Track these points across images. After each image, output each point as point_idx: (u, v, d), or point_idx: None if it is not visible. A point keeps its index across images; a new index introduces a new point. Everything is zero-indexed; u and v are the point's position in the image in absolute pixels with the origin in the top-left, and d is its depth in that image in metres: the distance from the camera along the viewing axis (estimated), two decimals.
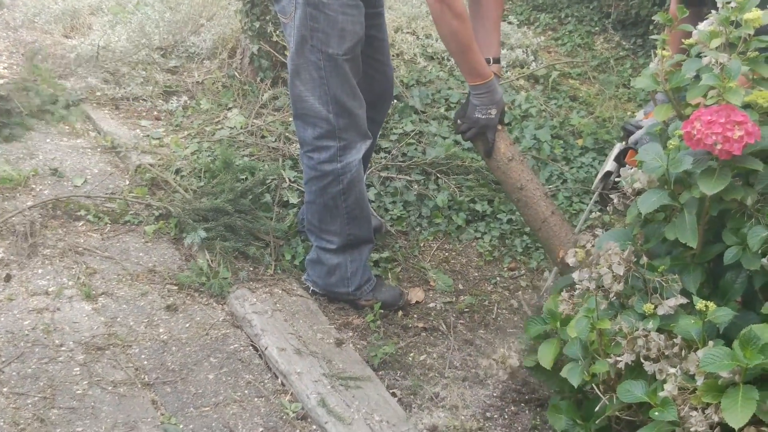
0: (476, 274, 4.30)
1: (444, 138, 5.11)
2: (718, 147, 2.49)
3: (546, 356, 3.04)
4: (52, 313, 3.64)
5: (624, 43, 7.38)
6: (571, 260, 2.99)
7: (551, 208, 3.59)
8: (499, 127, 3.59)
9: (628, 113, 6.00)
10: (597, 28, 7.65)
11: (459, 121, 3.64)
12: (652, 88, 2.89)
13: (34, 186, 4.49)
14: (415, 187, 4.70)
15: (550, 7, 7.83)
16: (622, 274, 2.76)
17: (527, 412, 3.48)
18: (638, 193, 2.84)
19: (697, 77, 2.71)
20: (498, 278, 4.28)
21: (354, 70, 3.66)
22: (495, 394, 3.54)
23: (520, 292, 4.15)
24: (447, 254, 4.41)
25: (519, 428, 3.39)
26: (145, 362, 3.45)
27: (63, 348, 3.46)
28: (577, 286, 2.88)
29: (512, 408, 3.49)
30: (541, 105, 5.78)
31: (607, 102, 6.10)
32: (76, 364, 3.38)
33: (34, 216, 4.19)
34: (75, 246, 4.07)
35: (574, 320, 2.84)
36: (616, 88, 6.38)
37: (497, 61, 3.66)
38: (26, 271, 3.87)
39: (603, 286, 2.80)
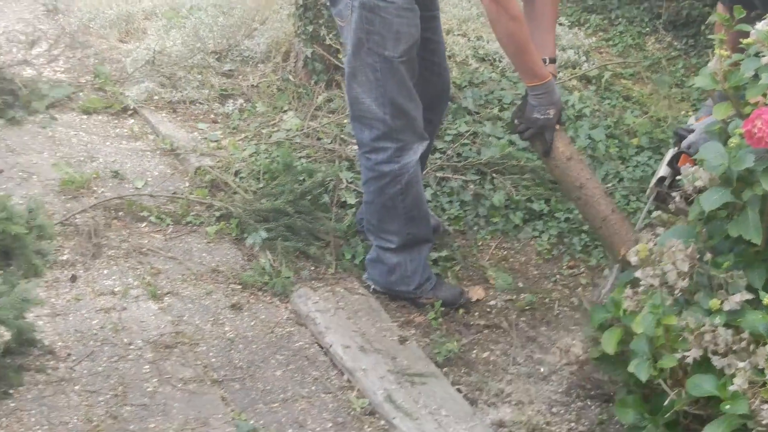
0: (536, 272, 4.31)
1: (498, 138, 5.11)
2: None
3: (609, 343, 3.05)
4: (119, 313, 3.70)
5: (675, 43, 7.34)
6: (633, 258, 3.00)
7: (611, 206, 3.59)
8: (557, 126, 3.60)
9: (682, 113, 5.98)
10: (648, 29, 7.61)
11: (516, 121, 3.65)
12: (711, 87, 2.88)
13: (95, 188, 4.57)
14: (471, 186, 4.71)
15: (600, 9, 7.79)
16: (686, 270, 2.76)
17: (593, 407, 3.48)
18: (700, 191, 2.84)
19: (756, 76, 2.72)
20: (558, 276, 4.28)
21: (410, 72, 3.69)
22: (560, 390, 3.55)
23: (580, 290, 4.15)
24: (506, 253, 4.42)
25: (586, 423, 3.39)
26: (213, 360, 3.50)
27: (132, 346, 3.51)
28: (641, 283, 2.88)
29: (578, 403, 3.49)
30: (595, 105, 5.77)
31: (661, 102, 6.07)
32: (146, 362, 3.44)
33: (97, 217, 4.26)
34: (139, 246, 4.13)
35: (639, 316, 2.85)
36: (670, 87, 6.34)
37: (553, 61, 3.67)
38: (92, 271, 3.94)
39: (667, 283, 2.81)
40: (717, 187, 2.69)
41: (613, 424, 3.37)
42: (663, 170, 3.55)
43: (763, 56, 2.62)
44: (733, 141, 2.61)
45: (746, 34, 2.79)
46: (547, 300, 4.09)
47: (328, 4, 4.03)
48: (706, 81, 2.85)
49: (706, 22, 6.91)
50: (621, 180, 4.96)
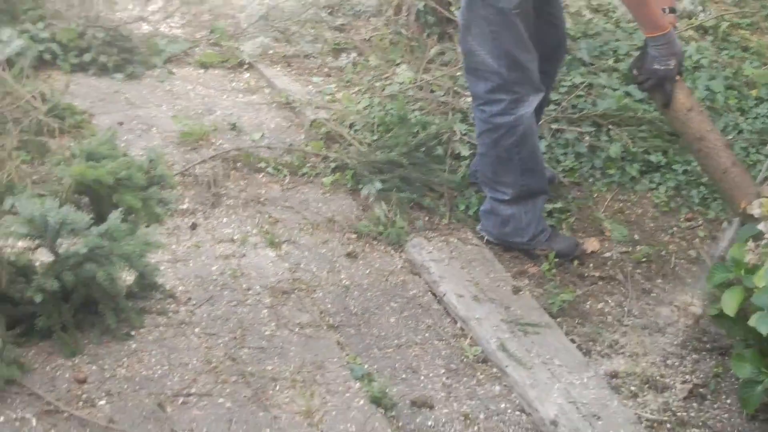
0: (652, 225, 4.25)
1: (614, 90, 5.04)
2: None
3: (730, 304, 3.01)
4: (238, 259, 3.78)
5: None
6: (756, 211, 2.95)
7: (732, 158, 3.53)
8: (677, 77, 3.54)
9: None
10: None
11: (635, 72, 3.59)
12: None
13: (213, 140, 4.65)
14: (587, 138, 4.67)
15: None
16: None
17: (708, 360, 3.44)
18: None
19: None
20: (675, 228, 4.22)
21: (525, 24, 3.65)
22: (675, 342, 3.51)
23: (697, 242, 4.09)
24: (621, 205, 4.37)
25: (701, 376, 3.35)
26: (329, 306, 3.56)
27: (250, 292, 3.59)
28: (766, 236, 2.83)
29: (693, 356, 3.45)
30: (712, 56, 5.64)
31: None
32: (264, 307, 3.51)
33: (216, 167, 4.34)
34: (257, 196, 4.21)
35: (762, 270, 2.80)
36: None
37: (673, 11, 3.61)
38: (211, 219, 4.03)
39: None
40: None
41: (729, 377, 3.33)
42: None
43: None
44: None
45: None
46: (663, 252, 4.04)
47: None
48: None
49: None
50: (740, 132, 4.86)
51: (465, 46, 3.75)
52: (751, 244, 2.94)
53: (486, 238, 4.00)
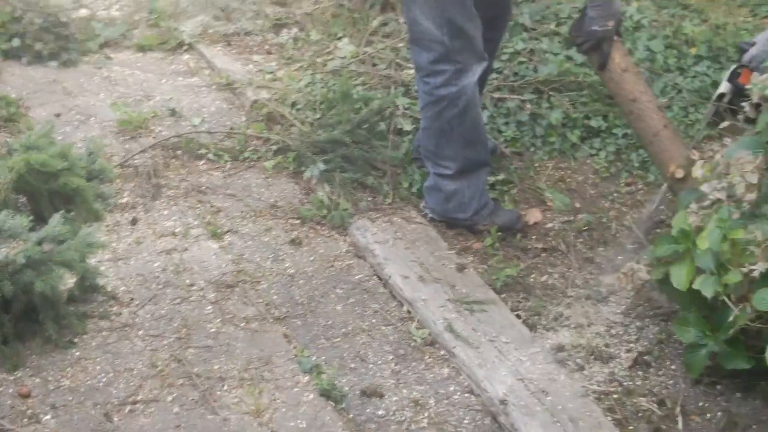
0: (593, 192, 4.28)
1: (556, 54, 5.04)
2: None
3: (680, 278, 3.03)
4: (180, 254, 3.77)
5: None
6: (698, 172, 2.98)
7: (664, 121, 3.56)
8: (615, 38, 3.57)
9: (741, 18, 5.84)
10: None
11: (574, 34, 3.62)
12: None
13: (153, 127, 4.63)
14: (528, 106, 4.67)
15: None
16: (755, 182, 2.74)
17: (652, 326, 3.49)
18: None
19: None
20: (615, 194, 4.26)
21: None
22: (619, 311, 3.56)
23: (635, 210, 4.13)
24: (563, 173, 4.40)
25: (645, 343, 3.40)
26: (275, 297, 3.56)
27: (194, 288, 3.58)
28: (709, 197, 2.86)
29: (637, 323, 3.50)
30: (653, 15, 5.64)
31: (721, 8, 5.92)
32: (208, 303, 3.51)
33: (156, 157, 4.32)
34: (198, 185, 4.19)
35: (705, 232, 2.83)
36: None
37: None
38: (152, 213, 4.01)
39: (734, 196, 2.78)
40: None
41: (673, 342, 3.38)
42: (723, 87, 3.51)
43: None
44: None
45: None
46: (604, 219, 4.08)
47: None
48: None
49: None
50: (680, 92, 4.87)
51: (409, 16, 3.73)
52: (693, 206, 2.97)
53: (430, 215, 4.02)
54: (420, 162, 4.20)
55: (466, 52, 3.70)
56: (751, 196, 2.75)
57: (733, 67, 3.46)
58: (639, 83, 3.60)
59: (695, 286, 2.84)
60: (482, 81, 4.09)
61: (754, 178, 2.74)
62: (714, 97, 3.54)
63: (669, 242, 3.15)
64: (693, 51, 5.24)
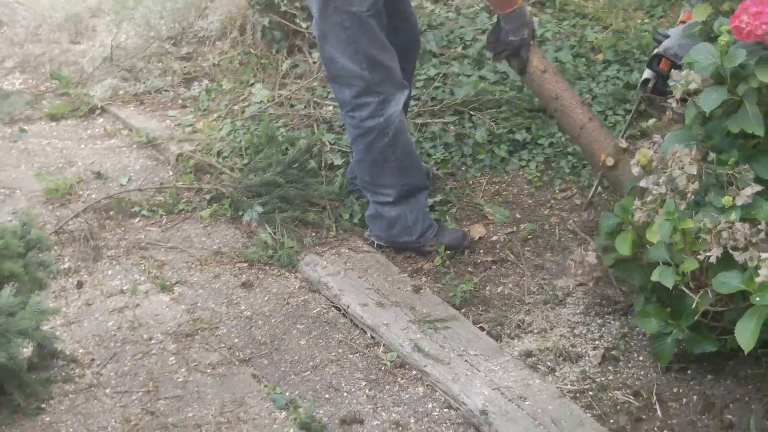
0: (530, 201, 4.34)
1: (468, 76, 5.12)
2: None
3: (624, 245, 3.10)
4: (133, 310, 3.69)
5: None
6: (635, 169, 3.04)
7: (588, 114, 3.69)
8: (531, 42, 3.68)
9: (638, 21, 6.01)
10: None
11: (492, 45, 3.73)
12: None
13: (81, 192, 4.54)
14: (452, 127, 4.73)
15: None
16: (695, 173, 2.81)
17: (613, 322, 3.53)
18: (694, 93, 2.88)
19: None
20: (552, 201, 4.32)
21: (380, 24, 3.69)
22: (578, 311, 3.59)
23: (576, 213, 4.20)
24: (497, 187, 4.45)
25: (609, 339, 3.44)
26: (236, 340, 3.51)
27: (153, 341, 3.51)
28: (653, 191, 2.92)
29: (598, 321, 3.54)
30: (554, 27, 5.78)
31: (618, 13, 6.09)
32: (170, 354, 3.44)
33: (89, 220, 4.25)
34: (137, 242, 4.12)
35: (654, 225, 2.89)
36: None
37: None
38: (96, 274, 3.93)
39: (678, 188, 2.85)
40: (712, 86, 2.73)
41: (636, 335, 3.43)
42: (646, 73, 3.63)
43: None
44: (723, 39, 2.64)
45: None
46: (546, 226, 4.13)
47: None
48: None
49: None
50: (595, 97, 4.99)
51: (324, 56, 3.76)
52: (636, 202, 3.03)
53: (376, 243, 4.02)
54: (356, 193, 4.22)
55: (386, 83, 3.75)
56: (694, 186, 2.82)
57: (653, 53, 3.60)
58: (559, 82, 3.74)
59: (654, 278, 2.89)
60: (405, 108, 4.13)
61: (693, 170, 2.81)
62: (639, 83, 3.67)
63: (611, 218, 3.22)
64: (600, 57, 5.38)
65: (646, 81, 3.69)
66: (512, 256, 3.95)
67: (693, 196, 2.85)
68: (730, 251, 2.68)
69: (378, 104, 3.74)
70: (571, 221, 4.13)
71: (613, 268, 3.35)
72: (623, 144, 3.77)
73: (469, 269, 3.89)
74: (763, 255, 2.57)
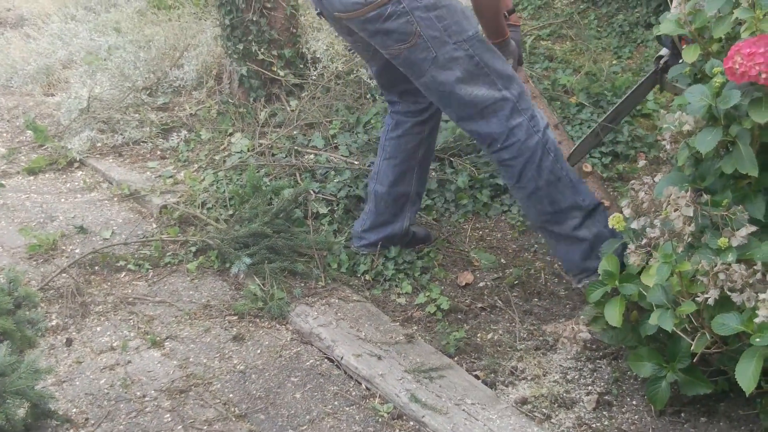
0: (514, 246, 4.37)
1: (446, 121, 5.16)
2: (763, 76, 2.57)
3: (613, 315, 3.11)
4: (124, 367, 3.66)
5: None
6: (626, 212, 3.08)
7: (563, 136, 3.94)
8: (519, 68, 3.79)
9: (607, 62, 6.10)
10: None
11: None
12: (677, 32, 2.99)
13: (64, 247, 4.52)
14: (434, 174, 4.76)
15: None
16: (691, 215, 2.84)
17: (605, 366, 3.54)
18: (687, 135, 2.92)
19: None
20: (536, 245, 4.35)
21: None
22: (569, 357, 3.61)
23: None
24: (482, 232, 4.48)
25: (602, 383, 3.45)
26: (231, 395, 3.49)
27: (146, 398, 3.48)
28: (650, 234, 2.95)
29: (589, 366, 3.55)
30: (527, 71, 5.84)
31: (586, 56, 6.18)
32: (165, 411, 3.40)
33: (75, 275, 4.21)
34: (124, 297, 4.10)
35: (652, 269, 2.91)
36: (595, 39, 6.47)
37: (512, 11, 3.83)
38: (85, 331, 3.90)
39: (674, 230, 2.88)
40: (707, 127, 2.77)
41: (628, 379, 3.45)
42: (663, 51, 3.67)
43: None
44: (717, 80, 2.69)
45: None
46: (532, 271, 4.16)
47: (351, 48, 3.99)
48: (671, 27, 2.94)
49: None
50: (571, 139, 5.03)
51: (461, 101, 3.54)
52: (631, 246, 3.06)
53: (590, 279, 3.71)
54: (366, 249, 4.24)
55: (523, 95, 3.59)
56: (690, 228, 2.85)
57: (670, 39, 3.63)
58: (542, 104, 3.97)
59: (652, 322, 2.91)
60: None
61: (689, 212, 2.84)
62: (654, 59, 3.73)
63: (597, 287, 3.23)
64: (573, 100, 5.44)
65: (660, 57, 3.69)
66: (501, 302, 3.97)
67: (689, 238, 2.88)
68: (728, 293, 2.71)
69: (529, 121, 3.57)
70: (556, 265, 4.16)
71: (603, 332, 3.38)
72: (587, 168, 3.85)
73: (460, 316, 3.90)
74: (761, 295, 2.60)
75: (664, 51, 3.64)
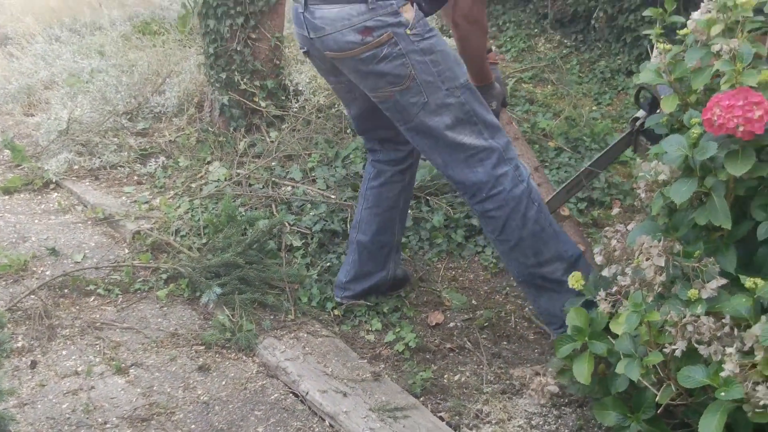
0: (486, 288, 4.36)
1: (424, 160, 5.16)
2: (741, 129, 2.58)
3: (581, 372, 3.09)
4: (87, 392, 3.62)
5: (566, 41, 7.54)
6: (598, 259, 3.08)
7: (543, 178, 3.96)
8: (502, 110, 3.82)
9: (587, 108, 6.14)
10: (536, 30, 7.80)
11: None
12: (656, 81, 3.00)
13: (35, 269, 4.48)
14: (410, 212, 4.75)
15: (488, 16, 7.94)
16: (663, 265, 2.84)
17: (569, 413, 3.53)
18: (663, 184, 2.93)
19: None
20: (507, 288, 4.35)
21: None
22: (535, 402, 3.59)
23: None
24: (454, 272, 4.47)
25: (566, 431, 3.44)
26: (193, 426, 3.45)
27: (108, 425, 3.44)
28: (621, 282, 2.95)
29: (554, 412, 3.54)
30: (508, 113, 5.86)
31: (566, 101, 6.23)
32: None
33: (44, 297, 4.18)
34: (92, 322, 4.06)
35: (621, 317, 2.91)
36: (577, 84, 6.52)
37: (489, 50, 3.82)
38: (50, 354, 3.86)
39: (645, 280, 2.88)
40: (683, 178, 2.77)
41: (592, 427, 3.43)
42: (640, 112, 3.69)
43: (713, 44, 2.72)
44: (694, 131, 2.70)
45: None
46: (502, 313, 4.15)
47: (347, 105, 3.89)
48: (651, 76, 2.95)
49: (594, 16, 7.11)
50: (549, 182, 5.05)
51: (446, 148, 3.49)
52: (601, 293, 3.05)
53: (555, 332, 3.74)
54: (349, 300, 4.18)
55: (508, 145, 3.55)
56: (661, 278, 2.85)
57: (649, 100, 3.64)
58: (524, 146, 3.99)
59: (619, 371, 2.90)
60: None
61: (661, 261, 2.84)
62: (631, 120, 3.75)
63: (566, 341, 3.23)
64: (552, 144, 5.47)
65: (636, 119, 3.72)
66: (470, 343, 3.96)
67: (660, 288, 2.88)
68: (695, 345, 2.71)
69: (514, 170, 3.52)
70: (527, 309, 4.15)
71: (570, 384, 3.37)
72: (565, 212, 3.86)
73: (428, 356, 3.88)
74: (728, 349, 2.60)
75: (640, 113, 3.67)
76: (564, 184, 3.97)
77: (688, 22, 2.89)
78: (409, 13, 3.30)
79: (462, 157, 3.50)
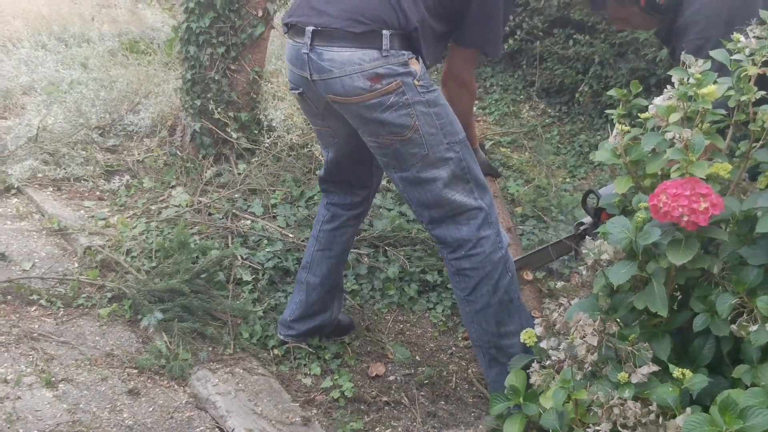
0: (432, 345, 4.34)
1: (389, 210, 5.17)
2: (685, 219, 2.58)
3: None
4: (13, 402, 3.56)
5: (549, 110, 7.58)
6: (538, 330, 3.07)
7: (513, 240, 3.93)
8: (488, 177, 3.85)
9: (560, 179, 6.16)
10: (522, 97, 7.85)
11: None
12: (611, 161, 3.00)
13: None
14: (366, 260, 4.74)
15: (476, 77, 7.99)
16: (595, 344, 2.83)
17: None
18: (606, 264, 2.93)
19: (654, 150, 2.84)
20: (453, 348, 4.32)
21: None
22: None
23: (474, 364, 4.20)
24: (402, 326, 4.45)
25: None
26: None
27: None
28: (553, 356, 2.94)
29: None
30: None
31: (541, 169, 6.24)
32: None
33: None
34: (30, 331, 4.01)
35: (550, 391, 2.89)
36: (552, 154, 6.54)
37: None
38: None
39: (576, 357, 2.87)
40: (624, 260, 2.77)
41: None
42: (586, 219, 3.70)
43: (668, 131, 2.73)
44: (640, 216, 2.70)
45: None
46: (444, 373, 4.12)
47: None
48: (606, 155, 2.95)
49: (579, 89, 7.16)
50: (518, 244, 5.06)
51: (437, 201, 3.41)
52: (535, 365, 3.04)
53: None
54: (292, 339, 4.13)
55: (493, 207, 3.49)
56: (593, 357, 2.84)
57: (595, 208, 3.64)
58: (501, 208, 4.00)
59: None
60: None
61: (594, 341, 2.83)
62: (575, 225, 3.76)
63: (501, 400, 3.20)
64: (519, 210, 5.47)
65: (580, 224, 3.72)
66: (406, 399, 3.92)
67: (590, 367, 2.86)
68: (620, 428, 2.69)
69: (496, 235, 3.45)
70: (470, 371, 4.13)
71: None
72: (528, 277, 3.86)
73: (362, 407, 3.84)
74: None
75: (586, 219, 3.69)
76: (530, 252, 3.98)
77: (650, 106, 2.91)
78: (416, 65, 3.26)
79: (450, 214, 3.43)
